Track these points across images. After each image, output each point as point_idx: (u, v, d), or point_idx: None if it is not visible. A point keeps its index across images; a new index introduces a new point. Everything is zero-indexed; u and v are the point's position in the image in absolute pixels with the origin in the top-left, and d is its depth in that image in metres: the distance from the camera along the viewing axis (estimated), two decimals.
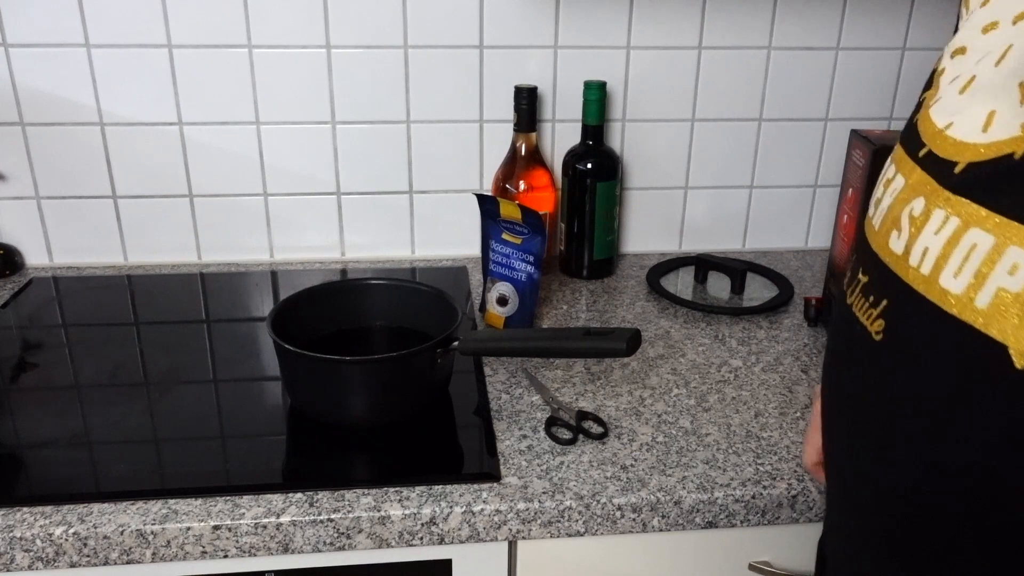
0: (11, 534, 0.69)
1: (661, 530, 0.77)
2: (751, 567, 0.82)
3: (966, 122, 0.45)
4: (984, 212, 0.41)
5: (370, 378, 0.80)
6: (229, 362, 0.96)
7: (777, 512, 0.78)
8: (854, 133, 0.98)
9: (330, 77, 1.15)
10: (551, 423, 0.85)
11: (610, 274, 1.22)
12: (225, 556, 0.72)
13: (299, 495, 0.74)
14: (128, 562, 0.71)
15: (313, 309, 0.91)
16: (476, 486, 0.76)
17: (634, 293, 1.16)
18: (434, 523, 0.73)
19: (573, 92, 1.20)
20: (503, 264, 1.01)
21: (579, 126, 1.21)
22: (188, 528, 0.71)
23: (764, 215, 1.31)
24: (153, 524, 0.70)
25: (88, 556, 0.71)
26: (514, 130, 1.14)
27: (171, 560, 0.72)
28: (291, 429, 0.84)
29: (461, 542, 0.75)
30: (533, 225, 0.97)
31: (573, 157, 1.16)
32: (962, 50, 0.48)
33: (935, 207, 0.44)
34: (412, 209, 1.23)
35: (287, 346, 0.79)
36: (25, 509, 0.72)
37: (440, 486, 0.76)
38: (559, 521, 0.75)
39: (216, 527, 0.71)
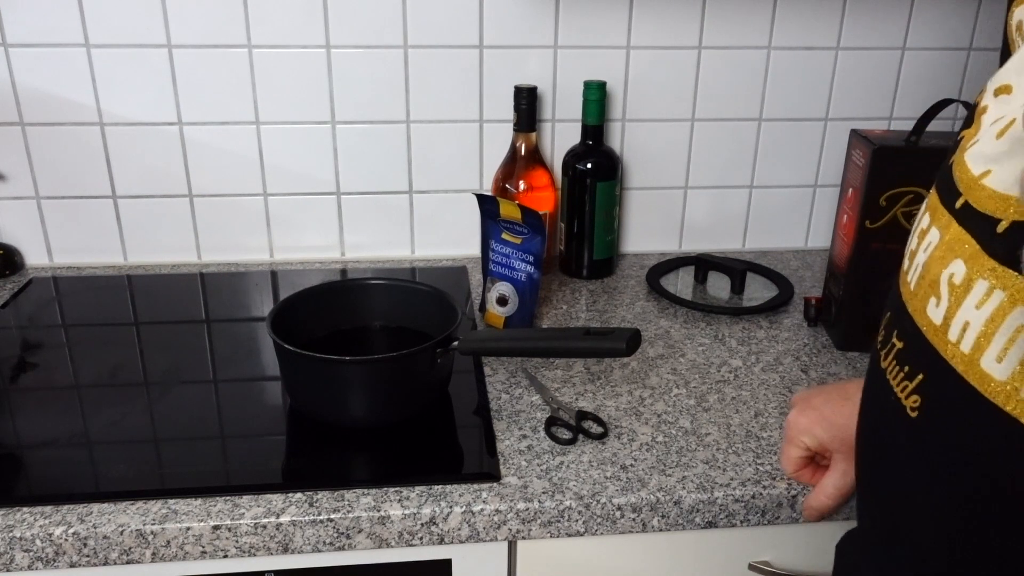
0: (11, 534, 0.69)
1: (661, 530, 0.77)
2: (751, 567, 0.82)
3: (1006, 172, 0.40)
4: None
5: (370, 378, 0.80)
6: (229, 362, 0.96)
7: (777, 512, 0.77)
8: (854, 133, 0.98)
9: (330, 77, 1.15)
10: (551, 423, 0.84)
11: (610, 274, 1.22)
12: (225, 556, 0.72)
13: (299, 495, 0.74)
14: (128, 562, 0.71)
15: (313, 309, 0.91)
16: (476, 486, 0.76)
17: (634, 293, 1.16)
18: (434, 523, 0.73)
19: (573, 92, 1.20)
20: (503, 264, 1.01)
21: (579, 126, 1.21)
22: (188, 528, 0.71)
23: (764, 215, 1.31)
24: (153, 524, 0.70)
25: (88, 556, 0.71)
26: (514, 130, 1.14)
27: (171, 560, 0.72)
28: (291, 429, 0.84)
29: (461, 542, 0.75)
30: (533, 225, 0.97)
31: (573, 157, 1.16)
32: (1007, 88, 0.43)
33: (978, 277, 0.40)
34: (412, 209, 1.23)
35: (287, 346, 0.79)
36: (25, 509, 0.72)
37: (440, 486, 0.76)
38: (559, 521, 0.75)
39: (216, 527, 0.71)
